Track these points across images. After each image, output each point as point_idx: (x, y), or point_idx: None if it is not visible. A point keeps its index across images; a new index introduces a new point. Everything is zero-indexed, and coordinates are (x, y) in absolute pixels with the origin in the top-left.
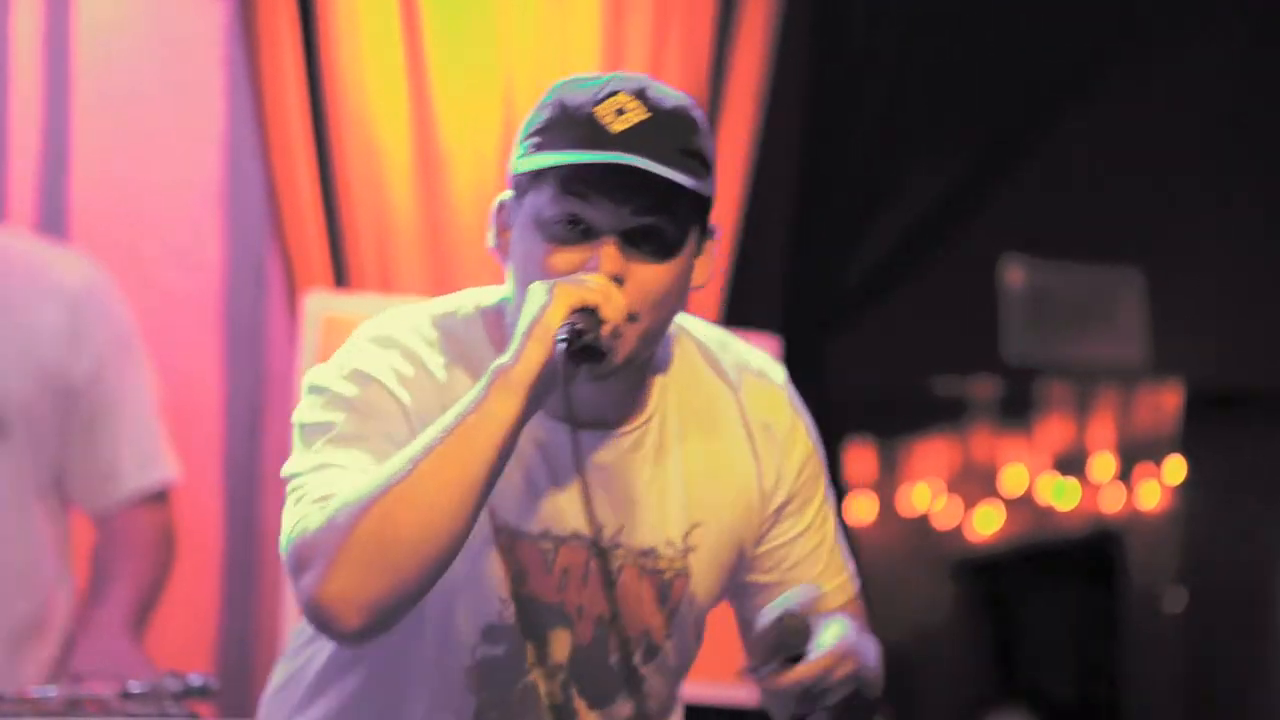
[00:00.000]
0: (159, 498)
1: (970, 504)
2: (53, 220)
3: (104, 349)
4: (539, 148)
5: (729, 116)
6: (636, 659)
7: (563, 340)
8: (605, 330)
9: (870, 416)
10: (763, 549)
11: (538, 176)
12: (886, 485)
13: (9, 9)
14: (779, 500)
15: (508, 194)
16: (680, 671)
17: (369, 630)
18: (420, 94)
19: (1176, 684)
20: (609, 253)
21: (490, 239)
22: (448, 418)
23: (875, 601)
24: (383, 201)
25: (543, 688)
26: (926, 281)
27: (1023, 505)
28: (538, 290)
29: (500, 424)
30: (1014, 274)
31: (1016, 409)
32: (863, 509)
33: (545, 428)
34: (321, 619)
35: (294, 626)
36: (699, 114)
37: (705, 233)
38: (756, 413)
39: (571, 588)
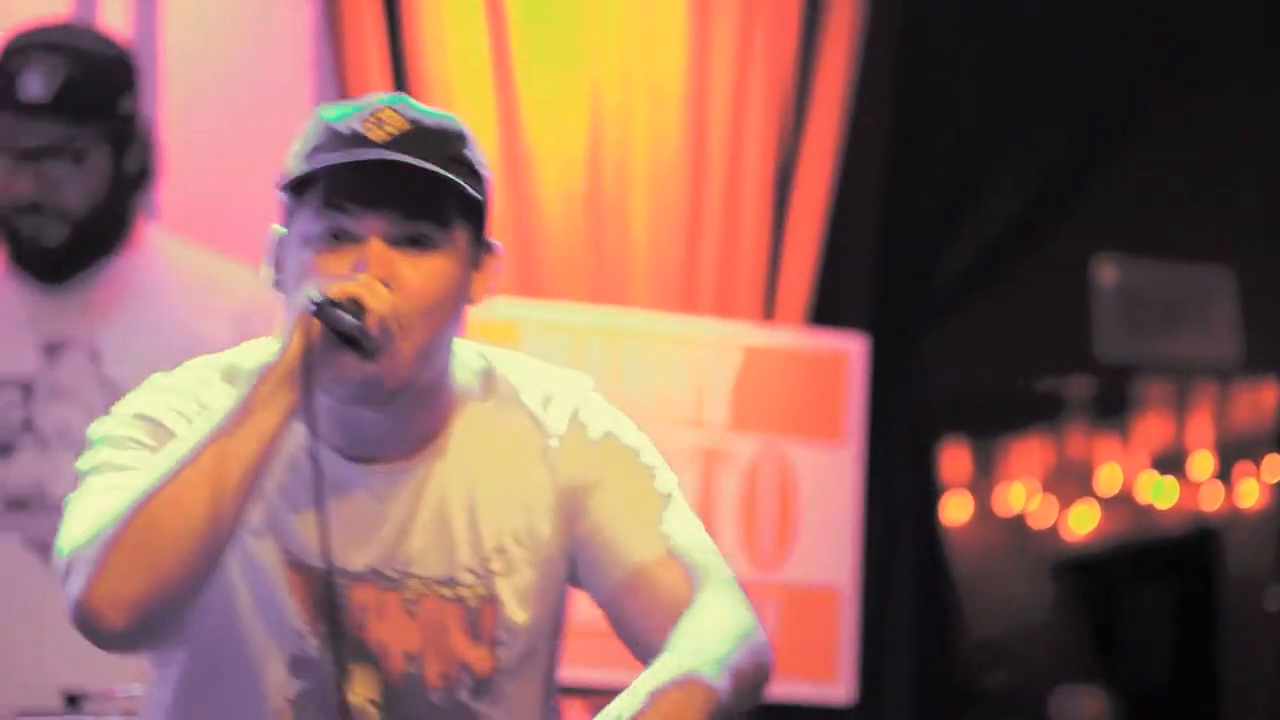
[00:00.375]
0: None
1: (1066, 503)
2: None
3: None
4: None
5: (816, 117)
6: (463, 696)
7: (314, 306)
8: (371, 321)
9: (964, 416)
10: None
11: (302, 198)
12: (982, 485)
13: (96, 10)
14: (580, 504)
15: (280, 228)
16: (536, 705)
17: (134, 631)
18: (506, 96)
19: (1276, 683)
20: (375, 251)
21: (267, 276)
22: (214, 418)
23: (971, 601)
24: None
25: None
26: (1018, 280)
27: (1120, 504)
28: (298, 295)
29: (264, 418)
30: (1106, 273)
31: (1111, 408)
32: (959, 509)
33: (331, 463)
34: (86, 621)
35: None
36: (467, 130)
37: (482, 246)
38: (562, 443)
39: (370, 623)
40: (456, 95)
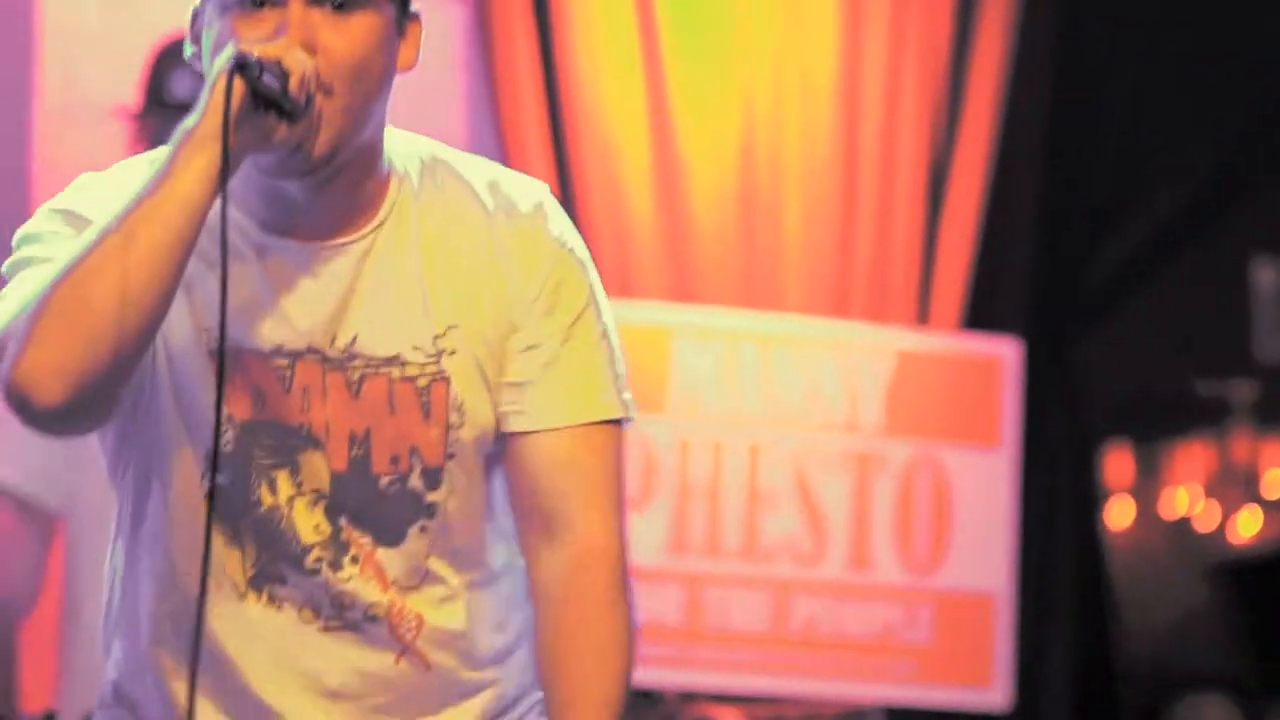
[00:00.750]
0: None
1: (1230, 508)
2: None
3: None
4: None
5: (969, 118)
6: (414, 482)
7: (232, 64)
8: (293, 83)
9: (1126, 420)
10: (508, 362)
11: None
12: (1145, 489)
13: None
14: (524, 311)
15: (197, 2)
16: (483, 515)
17: (68, 405)
18: (658, 98)
19: None
20: (295, 13)
21: (186, 50)
22: (138, 188)
23: (1134, 604)
24: (621, 205)
25: (301, 520)
26: (1175, 282)
27: None
28: (219, 58)
29: (184, 180)
30: (1264, 274)
31: (1275, 411)
32: (1122, 513)
33: (266, 242)
34: (20, 396)
35: None
36: None
37: (406, 13)
38: (508, 232)
39: (314, 406)
40: (608, 97)
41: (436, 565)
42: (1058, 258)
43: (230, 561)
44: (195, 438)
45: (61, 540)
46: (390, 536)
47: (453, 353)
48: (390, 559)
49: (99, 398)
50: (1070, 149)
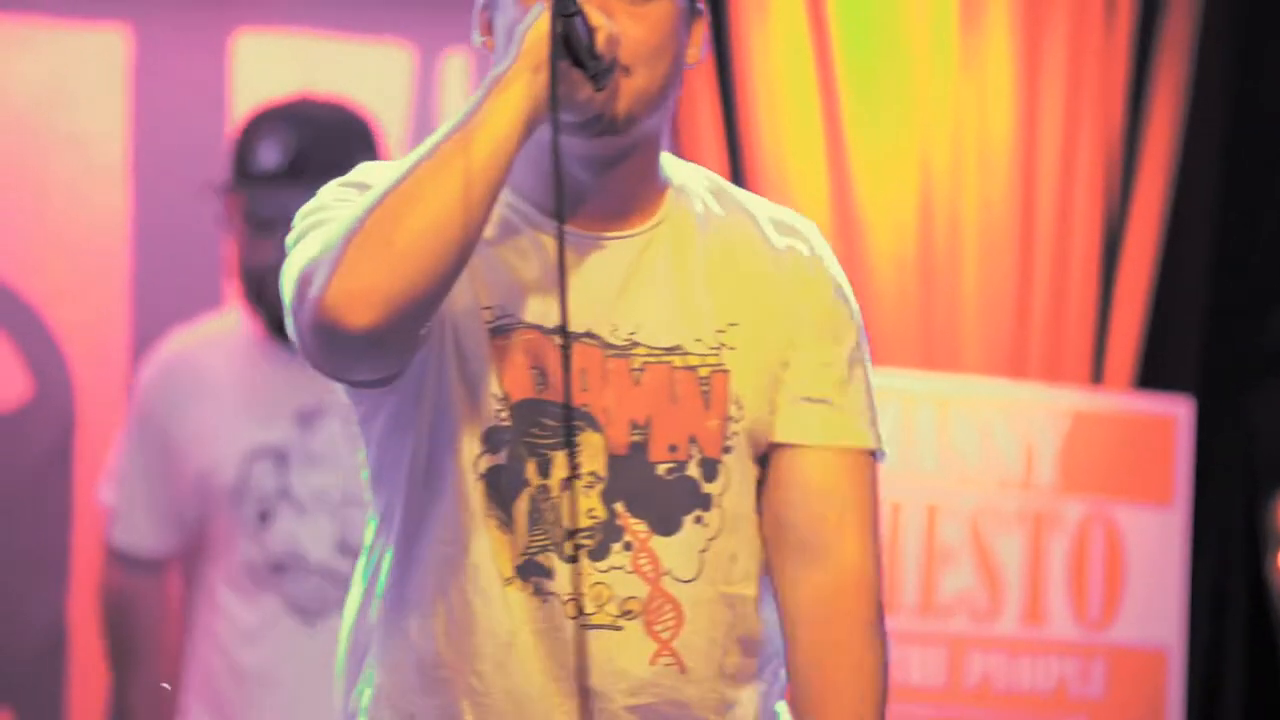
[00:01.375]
0: None
1: None
2: None
3: None
4: None
5: (1143, 180)
6: (692, 470)
7: (563, 11)
8: (599, 37)
9: None
10: (788, 374)
11: None
12: None
13: (434, 88)
14: (807, 334)
15: None
16: (754, 521)
17: (379, 327)
18: (838, 162)
19: None
20: None
21: (475, 40)
22: (444, 126)
23: None
24: None
25: (573, 503)
26: None
27: None
28: (528, 16)
29: (502, 116)
30: None
31: None
32: None
33: (544, 225)
34: (332, 319)
35: None
36: None
37: (693, 8)
38: (791, 260)
39: (593, 388)
40: (789, 162)
41: (709, 562)
42: (1229, 317)
43: (499, 546)
44: (476, 417)
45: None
46: (666, 525)
47: (733, 348)
48: (664, 548)
49: (409, 325)
50: (1242, 214)
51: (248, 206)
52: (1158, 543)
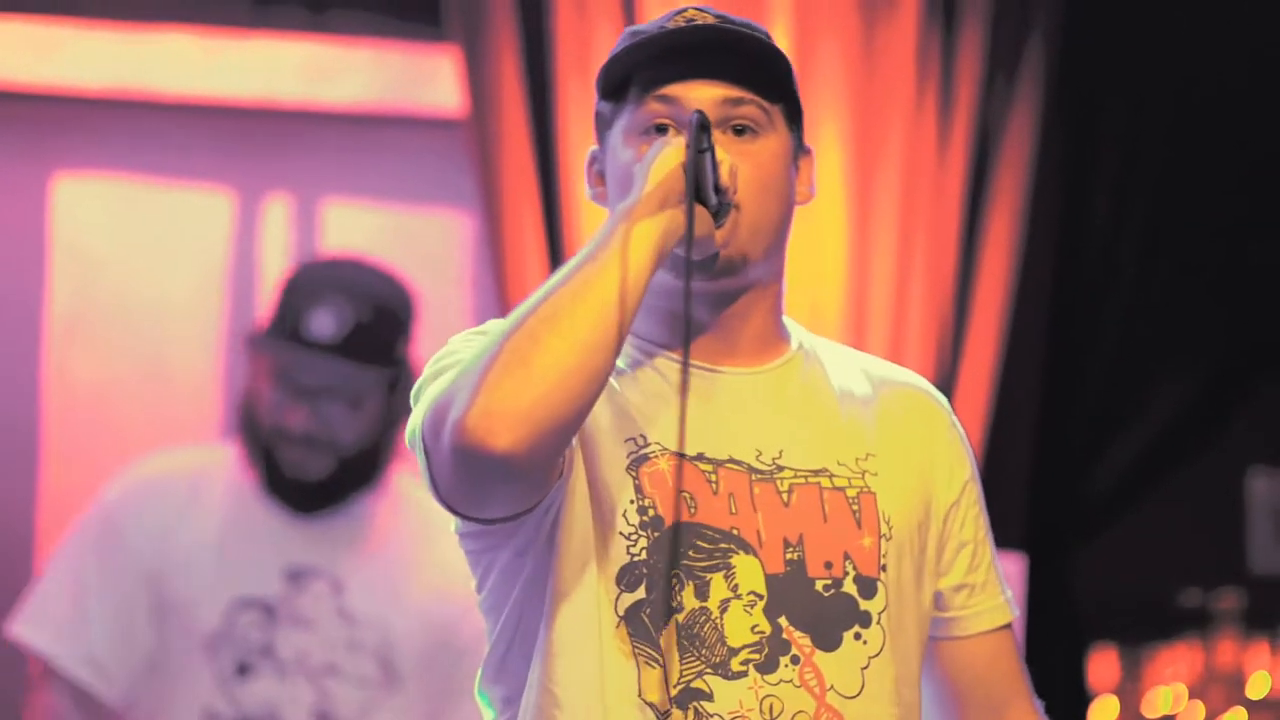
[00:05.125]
0: None
1: (1215, 709)
2: None
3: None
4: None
5: (972, 343)
6: (849, 587)
7: (697, 117)
8: (723, 170)
9: (1114, 625)
10: (944, 544)
11: (619, 101)
12: (1129, 690)
13: (255, 233)
14: (948, 491)
15: (595, 147)
16: (917, 644)
17: (521, 450)
18: None
19: None
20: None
21: (588, 193)
22: (575, 257)
23: None
24: None
25: (734, 621)
26: (1171, 492)
27: (1268, 709)
28: (648, 154)
29: (632, 249)
30: (1260, 486)
31: (1263, 619)
32: (1106, 713)
33: (668, 359)
34: (475, 441)
35: None
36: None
37: (800, 146)
38: (911, 398)
39: (743, 511)
40: None
41: (870, 680)
42: (1057, 474)
43: (649, 682)
44: (608, 553)
45: None
46: (827, 641)
47: (875, 474)
48: (827, 663)
49: (549, 448)
50: (1068, 364)
51: (287, 369)
52: None
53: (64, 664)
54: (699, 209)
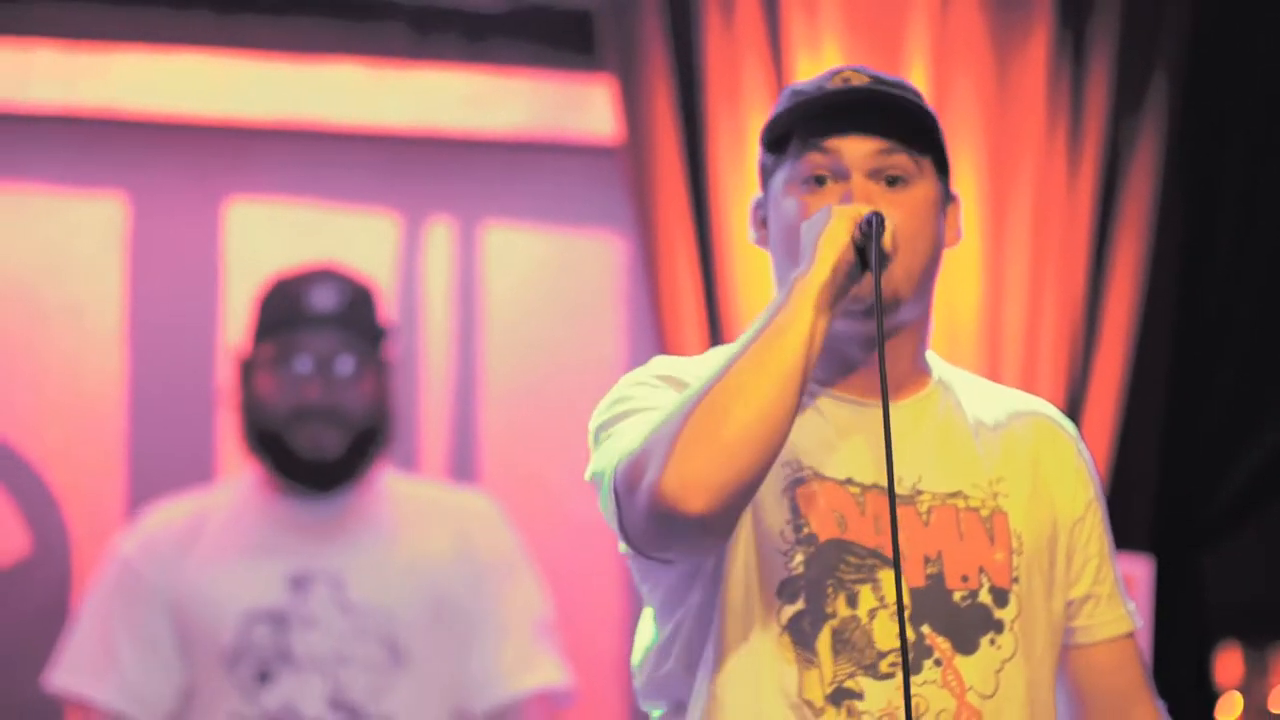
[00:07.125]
0: (545, 702)
1: None
2: (463, 460)
3: (485, 568)
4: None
5: (1100, 361)
6: (984, 597)
7: (869, 219)
8: (887, 236)
9: (1240, 625)
10: (1071, 558)
11: (781, 154)
12: (1255, 687)
13: (419, 254)
14: (1074, 509)
15: (759, 194)
16: (1049, 653)
17: (713, 513)
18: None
19: None
20: (858, 184)
21: (751, 236)
22: (750, 328)
23: None
24: None
25: (882, 628)
26: None
27: None
28: (814, 218)
29: (805, 322)
30: None
31: None
32: (1232, 709)
33: (825, 396)
34: (669, 506)
35: None
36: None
37: (948, 193)
38: (1038, 425)
39: (886, 532)
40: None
41: (1004, 682)
42: (1185, 476)
43: (809, 682)
44: (769, 569)
45: None
46: (966, 646)
47: (1007, 495)
48: (966, 666)
49: (736, 509)
50: (1196, 372)
51: (293, 349)
52: None
53: (103, 701)
54: (857, 270)
